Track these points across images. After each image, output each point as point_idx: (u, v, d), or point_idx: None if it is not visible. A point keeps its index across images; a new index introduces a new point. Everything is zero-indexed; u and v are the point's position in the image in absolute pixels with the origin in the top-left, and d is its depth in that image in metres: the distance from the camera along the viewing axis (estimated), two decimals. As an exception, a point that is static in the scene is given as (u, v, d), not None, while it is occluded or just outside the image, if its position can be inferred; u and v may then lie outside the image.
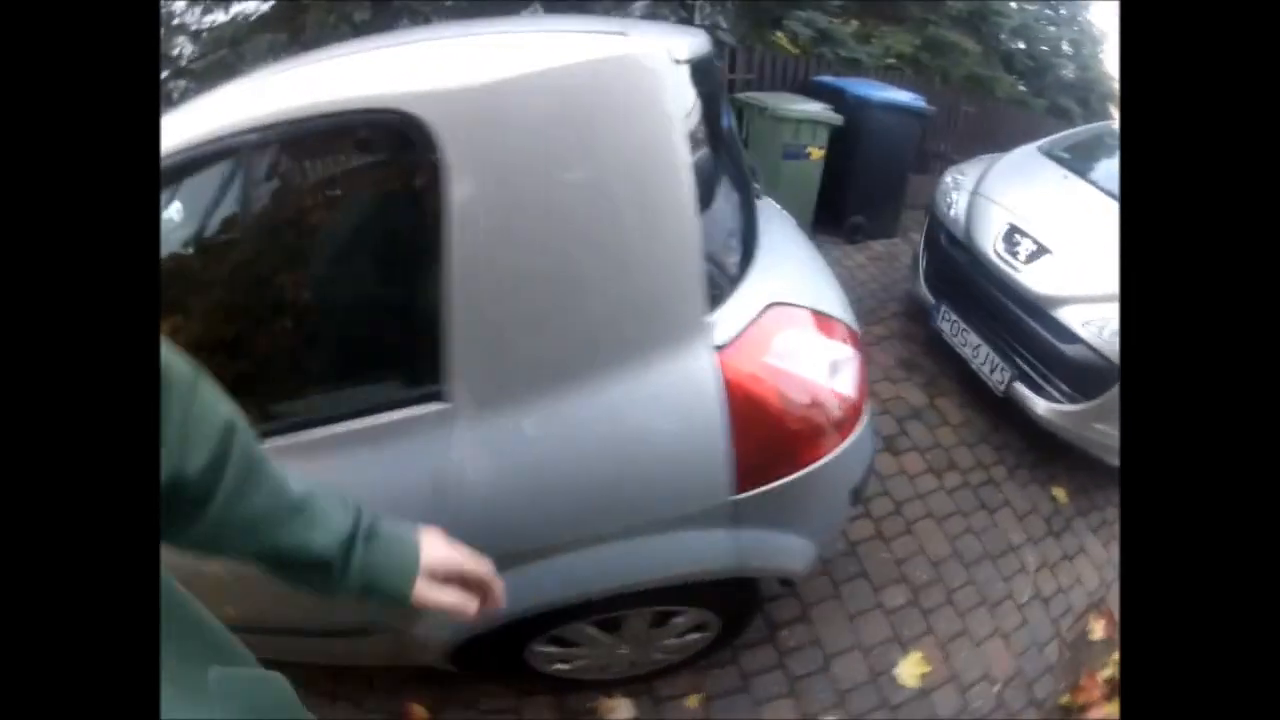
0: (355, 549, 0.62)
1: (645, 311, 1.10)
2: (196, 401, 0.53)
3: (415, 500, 1.08)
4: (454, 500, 1.09)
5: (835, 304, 1.40)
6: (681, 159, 1.04)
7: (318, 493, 0.63)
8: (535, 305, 1.07)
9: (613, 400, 1.10)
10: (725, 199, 1.37)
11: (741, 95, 4.03)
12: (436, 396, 1.08)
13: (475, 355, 1.07)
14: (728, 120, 1.63)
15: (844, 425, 1.25)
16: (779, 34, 4.51)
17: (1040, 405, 2.22)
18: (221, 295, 1.20)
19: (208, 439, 0.54)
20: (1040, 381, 2.26)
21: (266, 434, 1.04)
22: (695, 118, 1.15)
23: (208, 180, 1.14)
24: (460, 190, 0.99)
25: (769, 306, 1.22)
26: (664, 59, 1.03)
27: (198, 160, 1.11)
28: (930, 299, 2.84)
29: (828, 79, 4.11)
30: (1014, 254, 2.43)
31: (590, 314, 1.09)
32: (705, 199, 1.13)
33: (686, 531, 1.19)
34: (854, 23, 4.52)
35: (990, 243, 2.53)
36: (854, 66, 4.33)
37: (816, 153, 3.72)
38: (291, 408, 1.18)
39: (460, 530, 0.90)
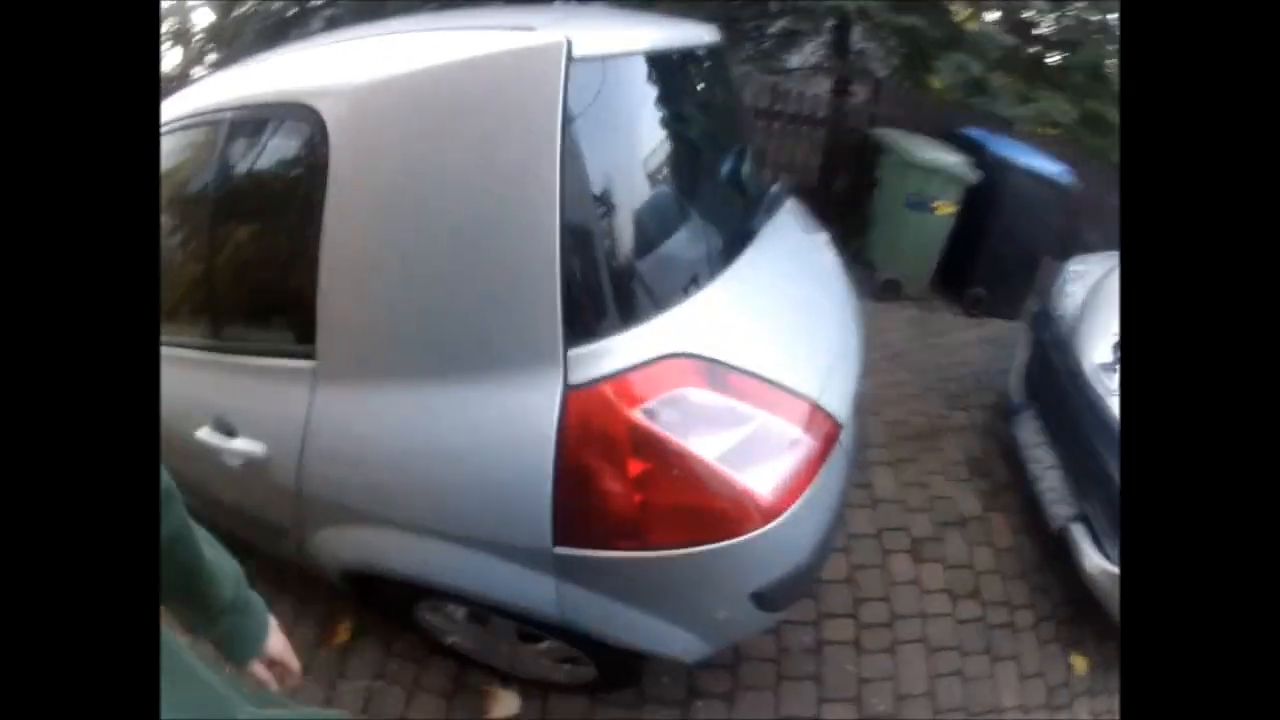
0: (236, 609, 0.77)
1: (499, 326, 1.05)
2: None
3: (283, 435, 1.22)
4: (307, 444, 1.21)
5: (810, 376, 1.22)
6: (549, 168, 0.94)
7: (224, 562, 0.76)
8: (394, 294, 1.11)
9: (452, 406, 1.09)
10: (670, 215, 1.22)
11: (877, 131, 3.77)
12: (308, 355, 1.18)
13: (336, 327, 1.15)
14: (719, 124, 1.56)
15: (736, 519, 1.06)
16: (933, 76, 4.15)
17: (1091, 560, 1.79)
18: (182, 236, 1.43)
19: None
20: (1101, 534, 1.82)
21: (200, 347, 1.36)
22: (628, 117, 1.10)
23: (175, 146, 1.41)
24: (337, 176, 1.08)
25: (670, 356, 1.06)
26: (554, 57, 0.95)
27: (171, 132, 1.42)
28: (1017, 398, 2.46)
29: (973, 131, 3.69)
30: (1114, 377, 1.98)
31: (446, 314, 1.08)
32: (628, 211, 1.09)
33: (509, 562, 1.14)
34: (1013, 79, 4.07)
35: (1093, 354, 2.09)
36: (1005, 125, 3.90)
37: (945, 208, 3.38)
38: (214, 334, 1.37)
39: (306, 470, 1.17)
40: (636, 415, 1.01)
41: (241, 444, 1.28)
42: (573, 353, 1.02)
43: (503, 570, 1.15)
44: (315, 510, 1.29)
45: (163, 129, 1.43)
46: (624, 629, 1.20)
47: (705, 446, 1.03)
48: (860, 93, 4.31)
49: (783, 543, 1.14)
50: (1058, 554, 2.02)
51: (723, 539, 1.06)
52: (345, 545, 1.30)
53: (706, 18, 1.75)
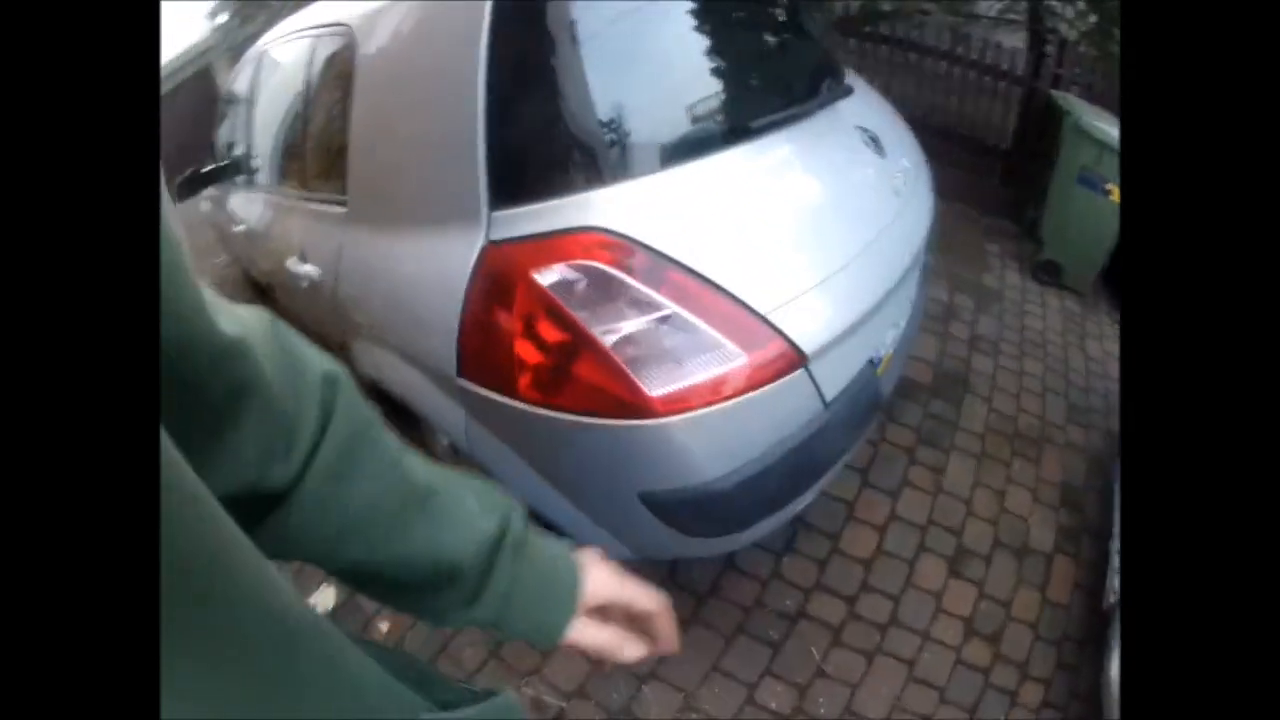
0: (500, 560, 0.45)
1: (448, 188, 1.20)
2: (280, 350, 0.40)
3: (327, 263, 1.57)
4: (339, 271, 1.53)
5: (770, 292, 1.12)
6: (474, 54, 1.11)
7: (453, 479, 0.46)
8: (383, 157, 1.38)
9: (413, 249, 1.29)
10: (620, 97, 1.19)
11: (1059, 93, 3.35)
12: (343, 204, 1.50)
13: (355, 183, 1.45)
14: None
15: (613, 402, 1.07)
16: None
17: (1116, 664, 1.38)
18: (292, 116, 1.88)
19: (304, 395, 0.40)
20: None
21: (297, 198, 1.80)
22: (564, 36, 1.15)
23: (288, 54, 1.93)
24: (359, 70, 1.43)
25: (584, 229, 1.10)
26: None
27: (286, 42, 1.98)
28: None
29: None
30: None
31: (413, 175, 1.30)
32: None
33: (438, 388, 1.33)
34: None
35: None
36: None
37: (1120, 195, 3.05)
38: (303, 187, 1.78)
39: (337, 292, 1.54)
40: (535, 276, 1.08)
41: (307, 269, 1.65)
42: (496, 214, 1.15)
43: (435, 395, 1.35)
44: (345, 326, 1.61)
45: (283, 39, 2.01)
46: (524, 488, 1.30)
47: (596, 321, 1.05)
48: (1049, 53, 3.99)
49: (673, 450, 1.11)
50: (1102, 636, 1.63)
51: (594, 415, 1.09)
52: (363, 359, 1.59)
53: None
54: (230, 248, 2.99)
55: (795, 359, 1.13)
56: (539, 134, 1.17)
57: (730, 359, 1.08)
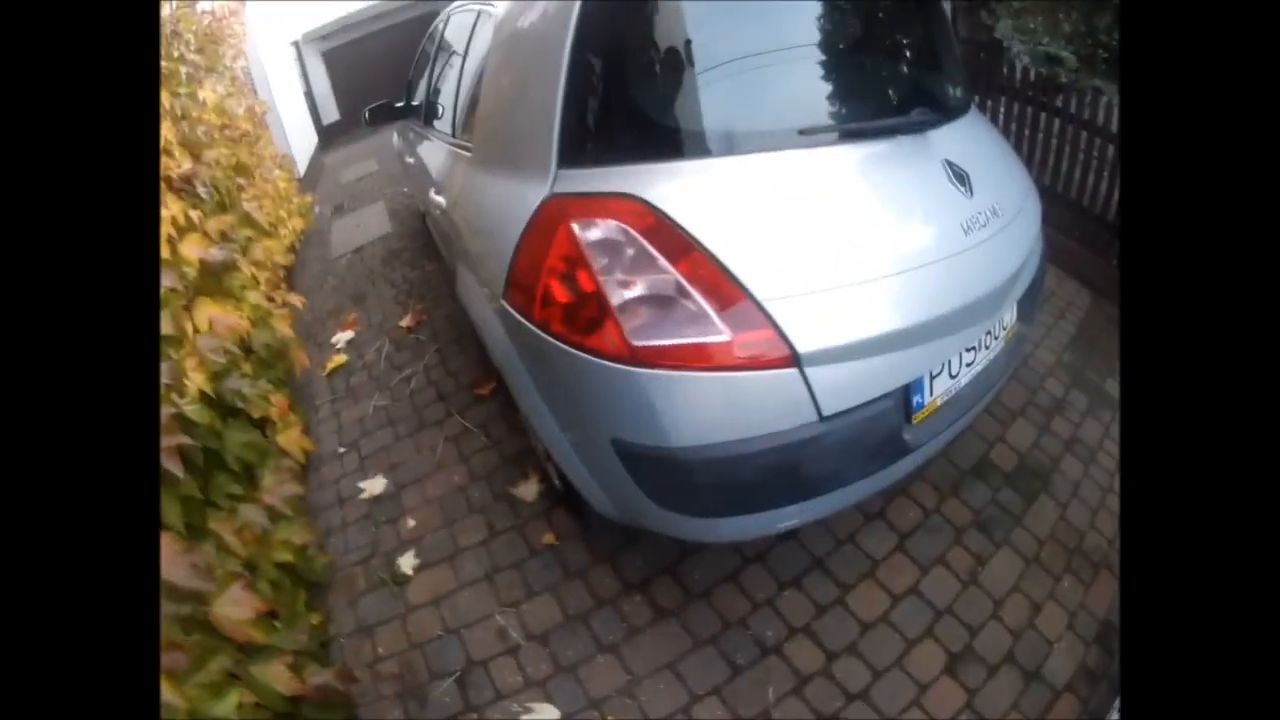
0: None
1: (533, 146, 1.37)
2: None
3: (453, 195, 1.97)
4: (458, 202, 1.89)
5: (775, 286, 1.14)
6: (563, 58, 1.29)
7: None
8: (495, 115, 1.66)
9: (504, 191, 1.49)
10: (680, 88, 1.26)
11: None
12: (469, 149, 1.82)
13: (478, 132, 1.77)
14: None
15: (599, 338, 1.17)
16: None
17: None
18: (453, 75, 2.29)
19: None
20: None
21: (449, 141, 2.17)
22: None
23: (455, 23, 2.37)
24: (493, 46, 1.74)
25: (623, 195, 1.22)
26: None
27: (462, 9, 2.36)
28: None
29: None
30: None
31: (511, 132, 1.51)
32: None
33: (491, 308, 1.57)
34: None
35: None
36: None
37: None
38: (453, 133, 2.15)
39: (454, 218, 1.93)
40: (574, 225, 1.21)
41: (439, 199, 2.03)
42: (561, 171, 1.31)
43: (490, 314, 1.59)
44: (454, 251, 1.97)
45: (461, 6, 2.39)
46: (533, 410, 1.49)
47: (610, 270, 1.17)
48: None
49: (642, 402, 1.16)
50: None
51: (583, 349, 1.20)
52: (458, 281, 1.93)
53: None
54: (406, 178, 3.61)
55: (786, 354, 1.13)
56: (602, 111, 1.31)
57: (715, 333, 1.12)
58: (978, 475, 1.96)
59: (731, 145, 1.25)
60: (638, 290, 1.15)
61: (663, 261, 1.15)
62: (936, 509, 1.86)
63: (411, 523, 2.04)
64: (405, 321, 3.18)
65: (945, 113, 1.52)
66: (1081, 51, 3.20)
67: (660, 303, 1.14)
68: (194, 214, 2.32)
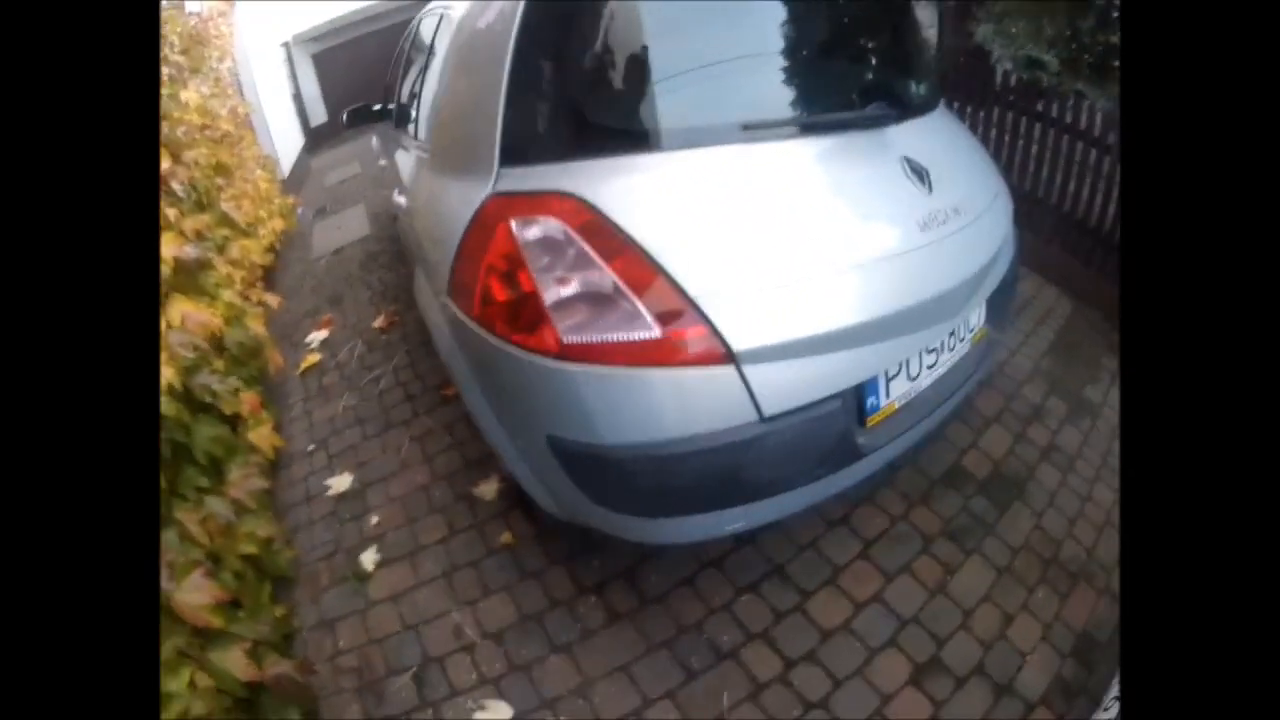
0: None
1: (477, 148, 1.38)
2: None
3: (411, 195, 2.00)
4: (415, 206, 1.91)
5: (708, 285, 1.12)
6: (507, 57, 1.30)
7: None
8: (448, 118, 1.68)
9: (452, 192, 1.50)
10: (619, 89, 1.28)
11: None
12: (426, 153, 1.82)
13: (434, 137, 1.77)
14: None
15: (530, 333, 1.17)
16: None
17: None
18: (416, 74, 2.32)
19: None
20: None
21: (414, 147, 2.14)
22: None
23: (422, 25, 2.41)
24: (449, 48, 1.76)
25: (560, 193, 1.21)
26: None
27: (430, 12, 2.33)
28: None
29: None
30: None
31: (464, 137, 1.51)
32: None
33: (438, 307, 1.60)
34: None
35: None
36: None
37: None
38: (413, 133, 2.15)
39: (413, 221, 1.94)
40: (511, 223, 1.21)
41: (401, 200, 2.10)
42: (503, 170, 1.31)
43: (437, 314, 1.61)
44: (413, 253, 1.99)
45: (429, 9, 2.35)
46: (476, 408, 1.51)
47: (545, 267, 1.16)
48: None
49: (574, 399, 1.15)
50: None
51: (518, 345, 1.20)
52: (416, 285, 1.92)
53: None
54: (383, 181, 3.69)
55: (720, 351, 1.11)
56: (544, 108, 1.31)
57: (645, 329, 1.11)
58: (949, 483, 1.93)
59: (674, 140, 1.24)
60: (571, 287, 1.14)
61: (597, 259, 1.14)
62: (904, 516, 1.83)
63: (375, 520, 2.04)
64: (378, 323, 3.20)
65: (905, 109, 1.50)
66: (1064, 55, 3.18)
67: (592, 299, 1.13)
68: (170, 212, 2.33)
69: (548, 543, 1.83)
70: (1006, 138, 3.13)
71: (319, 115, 10.00)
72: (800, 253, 1.20)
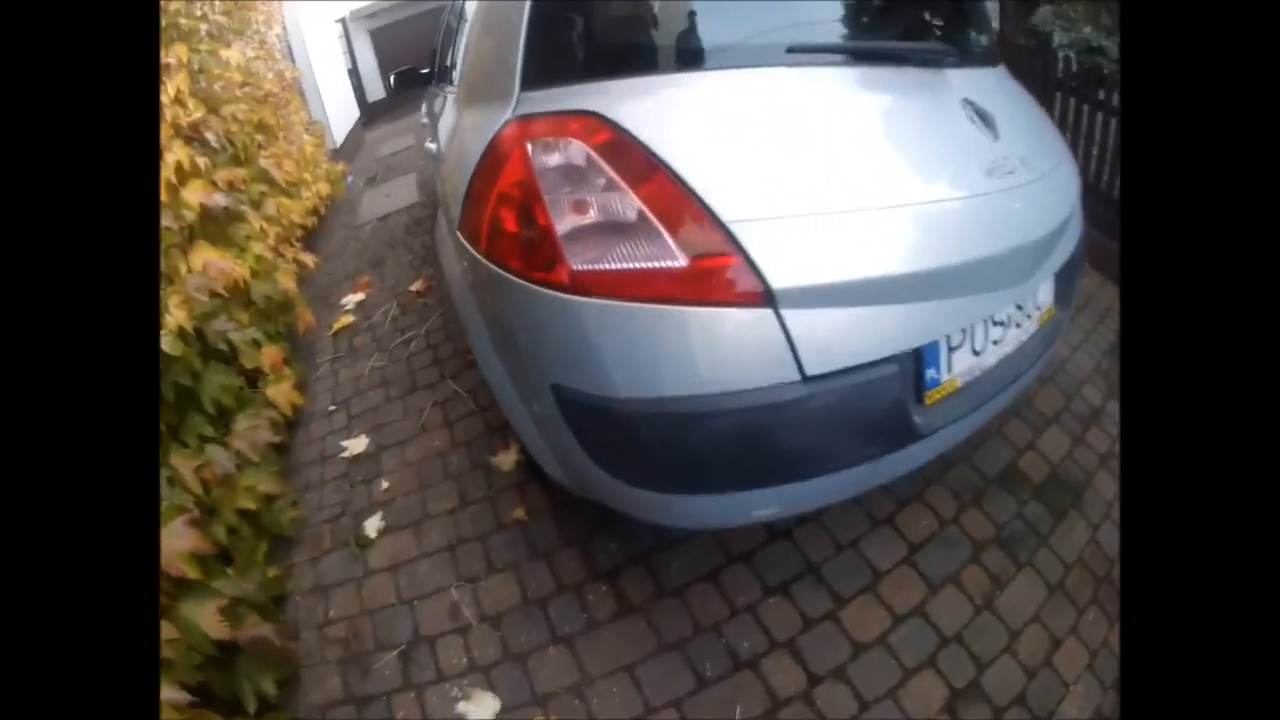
0: None
1: (500, 70, 1.28)
2: None
3: (442, 139, 1.83)
4: (445, 147, 1.73)
5: (751, 213, 0.96)
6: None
7: None
8: (473, 50, 1.58)
9: (473, 120, 1.40)
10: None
11: None
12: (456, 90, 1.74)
13: (463, 74, 1.67)
14: None
15: (541, 266, 1.03)
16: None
17: None
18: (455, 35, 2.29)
19: None
20: None
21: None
22: None
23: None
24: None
25: (582, 113, 1.07)
26: None
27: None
28: None
29: None
30: None
31: (488, 66, 1.41)
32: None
33: (452, 246, 1.49)
34: None
35: None
36: None
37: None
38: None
39: (442, 164, 1.75)
40: (527, 146, 1.08)
41: (431, 145, 1.97)
42: (524, 94, 1.19)
43: (451, 253, 1.53)
44: (440, 195, 1.82)
45: None
46: (483, 357, 1.41)
47: (560, 191, 1.02)
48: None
49: (581, 337, 1.00)
50: None
51: (526, 276, 1.06)
52: (437, 230, 1.92)
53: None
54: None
55: (756, 289, 0.93)
56: (568, 25, 1.18)
57: (669, 257, 0.94)
58: (1003, 485, 1.71)
59: (711, 59, 1.09)
60: (588, 212, 1.00)
61: (618, 180, 0.99)
62: (954, 519, 1.62)
63: (385, 485, 1.96)
64: (416, 286, 3.14)
65: (966, 54, 1.32)
66: None
67: (611, 225, 0.99)
68: (201, 161, 2.29)
69: (563, 520, 1.70)
70: (1068, 130, 2.89)
71: (376, 91, 10.13)
72: (851, 186, 1.02)
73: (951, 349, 1.13)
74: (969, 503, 1.66)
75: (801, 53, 1.11)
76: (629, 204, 0.98)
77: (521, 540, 1.68)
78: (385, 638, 1.52)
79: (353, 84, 9.03)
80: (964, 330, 1.14)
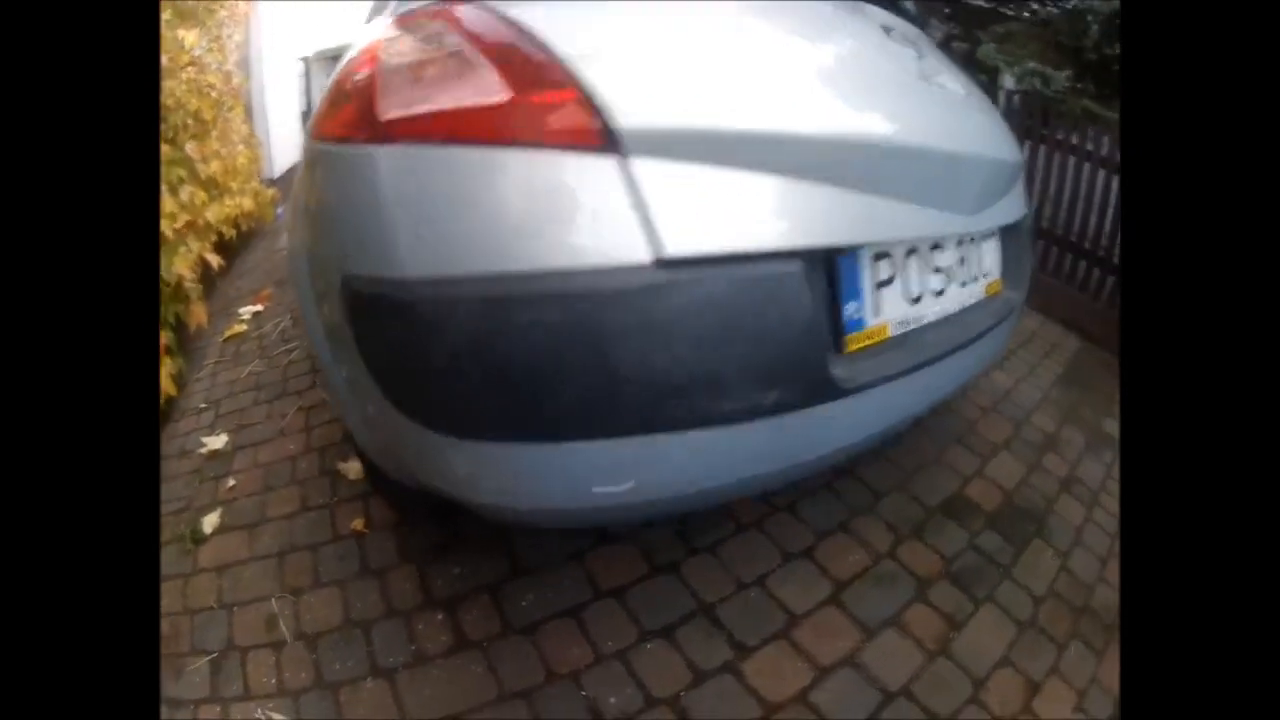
0: None
1: None
2: None
3: None
4: None
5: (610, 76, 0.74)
6: None
7: None
8: None
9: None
10: None
11: None
12: None
13: None
14: None
15: (355, 118, 0.81)
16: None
17: None
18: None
19: None
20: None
21: None
22: None
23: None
24: None
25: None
26: None
27: None
28: None
29: None
30: None
31: None
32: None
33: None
34: None
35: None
36: None
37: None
38: None
39: None
40: (380, 40, 0.89)
41: None
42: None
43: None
44: None
45: None
46: (308, 315, 1.15)
47: (393, 52, 0.83)
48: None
49: (378, 201, 0.74)
50: None
51: (337, 140, 0.85)
52: None
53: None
54: None
55: (592, 128, 0.69)
56: None
57: (490, 93, 0.71)
58: (949, 514, 1.46)
59: None
60: (415, 58, 0.81)
61: (455, 31, 0.79)
62: (890, 553, 1.33)
63: (231, 483, 1.74)
64: (312, 302, 2.93)
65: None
66: (1072, 71, 3.09)
67: (436, 70, 0.77)
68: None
69: (406, 536, 1.41)
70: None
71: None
72: (739, 40, 0.83)
73: (880, 283, 0.88)
74: (908, 534, 1.38)
75: None
76: (455, 42, 0.78)
77: (354, 554, 1.38)
78: (200, 642, 1.28)
79: (304, 127, 8.82)
80: (892, 258, 0.90)
